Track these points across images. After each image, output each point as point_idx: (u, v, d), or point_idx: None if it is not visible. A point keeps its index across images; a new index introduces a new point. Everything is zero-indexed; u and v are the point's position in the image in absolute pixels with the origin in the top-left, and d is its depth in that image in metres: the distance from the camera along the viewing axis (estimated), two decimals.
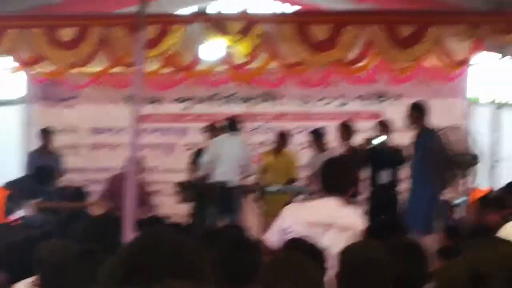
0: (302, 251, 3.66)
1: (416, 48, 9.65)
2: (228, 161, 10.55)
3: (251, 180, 11.41)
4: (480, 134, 9.59)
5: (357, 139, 11.12)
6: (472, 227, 8.61)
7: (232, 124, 11.08)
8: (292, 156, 11.97)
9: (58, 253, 3.00)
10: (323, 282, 2.98)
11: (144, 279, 1.64)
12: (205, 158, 10.78)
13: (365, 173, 10.87)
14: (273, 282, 2.79)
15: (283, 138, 11.80)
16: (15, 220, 10.66)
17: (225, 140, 10.79)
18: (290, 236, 4.55)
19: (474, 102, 12.74)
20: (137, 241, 1.77)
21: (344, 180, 4.99)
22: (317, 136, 11.35)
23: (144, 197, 10.85)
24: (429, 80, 12.23)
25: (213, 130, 11.54)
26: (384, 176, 10.50)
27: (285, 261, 2.96)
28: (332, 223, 4.71)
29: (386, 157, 10.50)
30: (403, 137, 10.73)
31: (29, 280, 3.58)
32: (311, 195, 10.44)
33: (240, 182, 10.91)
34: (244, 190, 11.19)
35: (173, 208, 11.47)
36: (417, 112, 9.71)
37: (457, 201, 10.09)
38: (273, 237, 4.76)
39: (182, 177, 11.59)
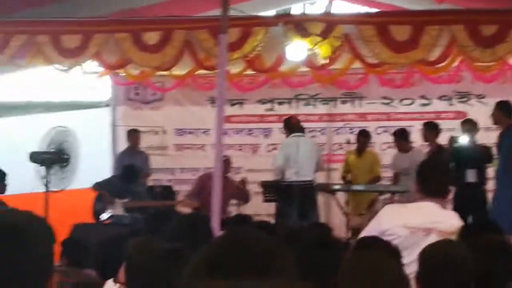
0: (376, 248, 3.68)
1: (499, 48, 9.52)
2: (301, 162, 10.64)
3: (326, 179, 11.53)
4: None
5: (441, 139, 11.05)
6: None
7: (298, 125, 11.21)
8: (374, 155, 12.00)
9: (145, 251, 3.05)
10: (405, 279, 2.99)
11: (227, 276, 1.68)
12: (277, 160, 10.93)
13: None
14: (350, 280, 2.80)
15: (364, 137, 11.83)
16: (105, 220, 10.95)
17: (295, 141, 10.87)
18: (390, 239, 4.50)
19: None
20: (222, 239, 1.83)
21: (444, 183, 4.97)
22: (401, 136, 11.31)
23: (239, 192, 11.08)
24: None
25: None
26: (470, 175, 10.38)
27: (363, 259, 2.97)
28: (433, 228, 4.67)
29: (472, 156, 10.39)
30: (488, 137, 10.65)
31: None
32: (396, 194, 10.45)
33: (316, 181, 11.01)
34: (325, 188, 11.27)
35: (258, 208, 11.61)
36: (502, 111, 9.61)
37: None
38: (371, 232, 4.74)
39: (266, 177, 11.71)
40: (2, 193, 9.59)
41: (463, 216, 9.94)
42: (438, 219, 4.73)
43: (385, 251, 3.59)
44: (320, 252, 3.37)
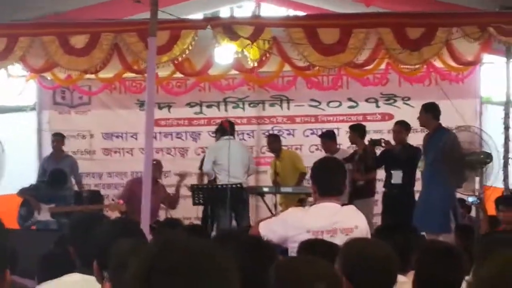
0: (320, 252, 3.67)
1: (425, 50, 9.69)
2: (232, 164, 10.63)
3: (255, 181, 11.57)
4: (492, 134, 9.59)
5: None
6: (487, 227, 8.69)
7: (231, 128, 11.21)
8: (291, 153, 12.06)
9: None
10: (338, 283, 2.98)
11: (164, 281, 1.69)
12: (205, 164, 10.93)
13: (380, 174, 10.97)
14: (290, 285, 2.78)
15: (272, 140, 11.91)
16: (31, 226, 10.76)
17: (225, 144, 10.86)
18: (294, 245, 4.49)
19: (487, 101, 12.78)
20: (157, 243, 1.81)
21: (337, 181, 4.96)
22: (328, 138, 11.41)
23: (169, 197, 10.99)
24: (440, 81, 12.28)
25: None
26: (396, 177, 10.52)
27: (302, 263, 2.95)
28: (336, 228, 4.70)
29: (398, 157, 10.53)
30: (415, 138, 10.81)
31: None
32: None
33: (247, 183, 11.03)
34: (254, 191, 11.30)
35: (187, 212, 11.56)
36: (429, 113, 9.74)
37: (470, 200, 10.12)
38: (272, 238, 4.72)
39: (195, 180, 11.67)
40: None
41: (390, 217, 10.18)
42: (339, 218, 4.76)
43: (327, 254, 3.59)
44: (253, 254, 3.34)
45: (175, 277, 1.69)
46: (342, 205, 4.97)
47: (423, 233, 8.42)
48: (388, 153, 10.77)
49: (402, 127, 10.82)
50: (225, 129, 11.13)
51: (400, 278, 3.59)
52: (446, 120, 10.09)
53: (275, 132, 12.80)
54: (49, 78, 12.36)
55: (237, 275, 1.78)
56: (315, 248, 3.98)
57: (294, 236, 4.67)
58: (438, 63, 11.09)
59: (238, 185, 10.54)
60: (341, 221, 4.75)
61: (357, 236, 4.56)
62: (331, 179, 4.92)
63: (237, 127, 12.45)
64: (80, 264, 3.85)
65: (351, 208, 5.05)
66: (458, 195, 9.84)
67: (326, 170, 4.99)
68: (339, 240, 4.31)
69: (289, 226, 4.78)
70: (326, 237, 4.59)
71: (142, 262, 1.75)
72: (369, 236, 4.83)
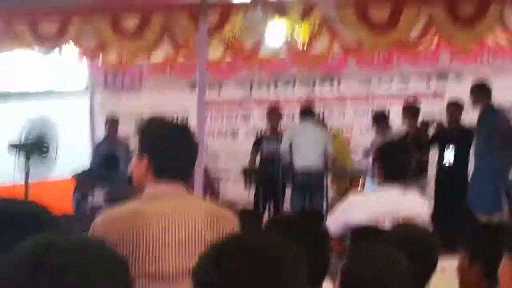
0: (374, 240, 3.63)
1: (477, 27, 9.53)
2: (305, 148, 10.60)
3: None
4: None
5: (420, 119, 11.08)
6: None
7: (307, 111, 11.16)
8: (340, 137, 11.95)
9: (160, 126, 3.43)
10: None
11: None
12: (282, 145, 10.87)
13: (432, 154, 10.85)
14: (358, 275, 2.75)
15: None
16: (85, 210, 10.89)
17: (301, 127, 10.85)
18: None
19: None
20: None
21: (403, 165, 4.86)
22: (379, 118, 11.31)
23: (209, 183, 11.00)
24: (492, 58, 12.08)
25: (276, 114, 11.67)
26: (449, 156, 10.41)
27: (373, 250, 2.92)
28: (397, 216, 4.62)
29: (452, 137, 10.42)
30: (468, 117, 10.67)
31: None
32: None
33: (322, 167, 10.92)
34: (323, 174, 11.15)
35: (238, 194, 11.59)
36: (480, 91, 9.62)
37: None
38: (337, 230, 4.66)
39: (246, 162, 11.68)
40: None
41: (443, 197, 10.08)
42: (401, 206, 4.68)
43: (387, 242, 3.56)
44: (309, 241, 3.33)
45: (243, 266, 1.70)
46: (405, 191, 4.86)
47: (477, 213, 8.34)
48: (442, 133, 10.66)
49: (456, 107, 10.67)
50: (303, 112, 11.14)
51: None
52: (500, 98, 9.93)
53: (325, 112, 12.75)
54: (101, 60, 12.44)
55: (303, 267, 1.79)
56: (367, 236, 3.93)
57: (356, 222, 4.58)
58: (491, 39, 10.90)
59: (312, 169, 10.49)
60: (403, 209, 4.67)
61: (419, 223, 4.53)
62: (396, 162, 4.83)
63: (287, 108, 12.44)
64: None
65: (414, 195, 4.93)
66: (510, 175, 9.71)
67: (391, 153, 4.90)
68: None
69: (351, 212, 4.73)
70: (387, 224, 4.50)
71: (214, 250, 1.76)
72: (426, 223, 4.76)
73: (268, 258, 1.73)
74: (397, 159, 4.85)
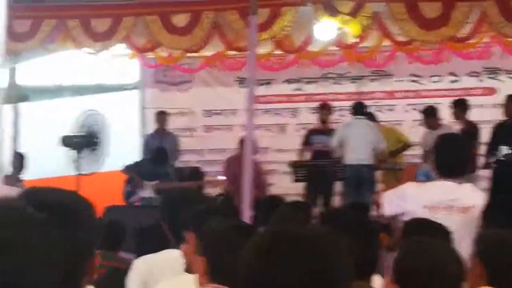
0: (431, 233, 3.62)
1: None
2: (356, 144, 10.59)
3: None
4: None
5: (471, 116, 10.99)
6: None
7: (359, 108, 11.16)
8: (389, 130, 11.84)
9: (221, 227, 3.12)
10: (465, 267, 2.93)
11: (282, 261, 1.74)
12: (333, 140, 10.88)
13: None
14: (411, 265, 2.74)
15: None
16: (136, 202, 11.02)
17: (352, 124, 10.86)
18: (406, 217, 4.48)
19: None
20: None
21: (459, 162, 4.81)
22: (429, 113, 11.24)
23: (259, 177, 11.03)
24: None
25: (326, 109, 11.69)
26: (503, 152, 10.25)
27: (427, 244, 2.91)
28: (453, 205, 4.61)
29: (506, 132, 10.26)
30: None
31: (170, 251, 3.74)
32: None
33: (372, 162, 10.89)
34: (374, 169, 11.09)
35: (286, 188, 11.62)
36: None
37: None
38: (391, 210, 4.74)
39: (294, 156, 11.72)
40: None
41: (497, 193, 9.98)
42: (457, 196, 4.65)
43: (441, 235, 3.56)
44: (357, 233, 3.34)
45: (292, 258, 1.72)
46: (460, 183, 4.81)
47: None
48: (499, 127, 10.47)
49: (510, 101, 10.49)
50: (354, 108, 11.15)
51: None
52: None
53: (375, 108, 12.71)
54: (151, 56, 12.58)
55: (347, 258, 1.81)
56: (421, 228, 3.92)
57: (411, 211, 4.61)
58: None
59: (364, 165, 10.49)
60: (459, 198, 4.65)
61: (474, 215, 4.52)
62: (452, 158, 4.79)
63: (336, 103, 12.44)
64: (173, 239, 3.96)
65: (469, 186, 4.89)
66: None
67: (447, 149, 4.85)
68: (455, 218, 4.25)
69: (408, 199, 4.73)
70: (443, 213, 4.51)
71: (262, 241, 1.79)
72: None
73: (314, 248, 1.75)
74: (455, 154, 4.81)
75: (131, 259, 5.08)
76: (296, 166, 11.10)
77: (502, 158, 10.15)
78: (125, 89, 13.94)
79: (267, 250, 1.76)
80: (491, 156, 10.44)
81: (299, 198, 10.95)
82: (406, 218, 4.56)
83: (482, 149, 10.81)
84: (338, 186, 11.15)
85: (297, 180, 11.08)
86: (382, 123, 11.94)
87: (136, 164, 11.47)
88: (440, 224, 3.97)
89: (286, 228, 1.87)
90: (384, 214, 4.86)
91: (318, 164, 10.86)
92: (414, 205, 4.66)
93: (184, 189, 10.80)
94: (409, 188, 4.89)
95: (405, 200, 4.74)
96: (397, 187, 4.94)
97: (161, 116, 12.42)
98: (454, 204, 4.63)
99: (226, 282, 2.87)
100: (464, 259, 2.93)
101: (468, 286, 3.40)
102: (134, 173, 11.11)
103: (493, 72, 12.73)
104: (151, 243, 4.31)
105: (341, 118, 12.44)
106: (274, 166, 12.83)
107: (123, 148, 12.08)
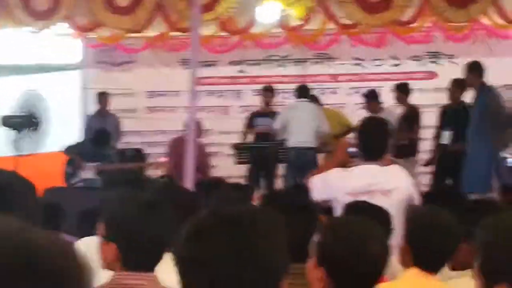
0: (366, 214, 3.65)
1: (471, 7, 9.54)
2: (299, 127, 10.60)
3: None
4: None
5: (412, 99, 11.09)
6: None
7: (303, 91, 11.16)
8: (333, 113, 11.87)
9: (126, 203, 3.03)
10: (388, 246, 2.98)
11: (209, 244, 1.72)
12: (276, 123, 10.87)
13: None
14: (334, 246, 2.75)
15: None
16: (76, 184, 10.90)
17: (296, 106, 10.86)
18: (337, 206, 4.58)
19: None
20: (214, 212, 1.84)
21: (380, 143, 4.92)
22: (371, 97, 11.32)
23: (203, 159, 11.00)
24: (484, 39, 12.09)
25: (269, 92, 11.68)
26: (445, 137, 10.36)
27: (349, 224, 2.93)
28: (375, 189, 4.67)
29: (449, 117, 10.38)
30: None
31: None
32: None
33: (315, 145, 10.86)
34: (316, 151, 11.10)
35: (229, 170, 11.63)
36: (473, 72, 9.61)
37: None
38: (319, 196, 4.79)
39: (237, 139, 11.71)
40: None
41: (439, 177, 10.10)
42: (378, 180, 4.72)
43: (380, 218, 3.59)
44: (296, 216, 3.34)
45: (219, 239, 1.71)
46: (386, 165, 4.91)
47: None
48: (444, 112, 10.57)
49: (455, 85, 10.59)
50: (298, 91, 11.14)
51: None
52: (492, 78, 9.94)
53: (318, 91, 12.74)
54: (94, 36, 12.42)
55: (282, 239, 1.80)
56: (360, 211, 3.96)
57: (336, 197, 4.71)
58: (484, 20, 10.91)
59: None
60: (380, 182, 4.72)
61: (397, 197, 4.59)
62: (373, 142, 4.89)
63: (279, 86, 12.44)
64: None
65: (393, 168, 4.97)
66: (503, 155, 9.74)
67: (368, 133, 4.94)
68: (378, 201, 4.30)
69: (332, 187, 4.80)
70: (365, 198, 4.53)
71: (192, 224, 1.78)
72: (413, 195, 4.82)
73: (251, 228, 1.74)
74: (375, 137, 4.90)
75: (72, 242, 5.02)
76: (239, 148, 11.10)
77: (445, 143, 10.27)
78: (67, 69, 13.76)
79: (206, 230, 1.74)
80: (436, 140, 10.58)
81: (242, 180, 11.00)
82: (333, 204, 4.64)
83: (424, 133, 10.94)
84: (281, 168, 11.19)
85: (239, 163, 11.08)
86: (325, 106, 11.97)
87: (77, 145, 11.34)
88: (380, 207, 4.01)
89: (224, 208, 1.85)
90: (314, 199, 4.88)
91: (261, 147, 10.86)
92: (337, 192, 4.74)
93: (125, 171, 10.75)
94: (333, 175, 4.93)
95: (330, 187, 4.81)
96: (324, 173, 4.99)
97: (103, 97, 12.30)
98: (376, 188, 4.70)
99: (140, 269, 2.80)
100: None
101: (399, 266, 3.48)
102: (75, 154, 10.98)
103: (434, 56, 12.86)
104: (93, 225, 4.23)
105: (285, 100, 12.47)
106: (217, 148, 12.82)
107: (64, 128, 11.94)
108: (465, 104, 10.29)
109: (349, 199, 4.52)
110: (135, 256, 2.82)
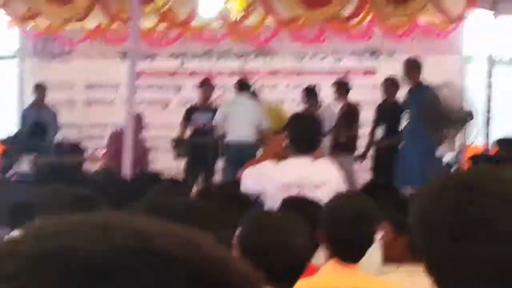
0: (297, 208, 3.65)
1: (411, 4, 9.64)
2: (239, 122, 10.56)
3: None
4: (474, 91, 9.60)
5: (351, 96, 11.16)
6: None
7: (243, 85, 11.13)
8: (272, 107, 11.88)
9: (55, 197, 2.99)
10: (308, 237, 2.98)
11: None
12: (216, 117, 10.81)
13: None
14: (255, 238, 2.73)
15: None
16: (11, 177, 10.73)
17: (236, 101, 10.83)
18: (267, 198, 4.61)
19: (469, 58, 12.77)
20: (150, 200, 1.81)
21: (310, 137, 4.96)
22: (310, 93, 11.35)
23: (142, 153, 10.92)
24: (423, 37, 12.22)
25: (208, 86, 11.62)
26: (379, 132, 10.47)
27: (271, 217, 2.92)
28: (304, 184, 4.70)
29: (383, 113, 10.48)
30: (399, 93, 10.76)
31: None
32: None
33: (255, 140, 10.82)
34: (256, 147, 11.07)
35: (168, 164, 11.57)
36: (411, 67, 9.70)
37: (450, 157, 10.13)
38: (249, 188, 4.83)
39: (177, 133, 11.64)
40: None
41: (374, 173, 10.19)
42: (308, 174, 4.76)
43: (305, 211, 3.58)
44: (233, 209, 3.33)
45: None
46: (317, 159, 4.94)
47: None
48: (379, 109, 10.69)
49: (389, 83, 10.72)
50: (238, 85, 11.10)
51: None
52: (429, 76, 10.06)
53: (258, 86, 12.74)
54: (31, 25, 12.20)
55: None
56: (296, 205, 3.96)
57: (267, 190, 4.75)
58: (422, 18, 11.03)
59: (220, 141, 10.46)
60: (310, 176, 4.75)
61: (327, 191, 4.60)
62: (303, 135, 4.92)
63: (220, 80, 12.41)
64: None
65: (324, 162, 5.01)
66: (439, 152, 9.86)
67: (299, 126, 4.98)
68: (308, 196, 4.31)
69: (264, 179, 4.83)
70: (295, 192, 4.60)
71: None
72: (344, 189, 4.83)
73: (187, 221, 1.71)
74: (304, 132, 4.92)
75: (5, 235, 4.94)
76: (178, 142, 11.03)
77: (379, 139, 10.37)
78: (3, 58, 13.52)
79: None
80: (371, 136, 10.67)
81: (181, 175, 10.95)
82: (264, 197, 4.65)
83: (363, 130, 11.02)
84: (220, 163, 11.15)
85: (177, 157, 11.01)
86: (265, 101, 11.97)
87: (13, 137, 11.16)
88: (316, 202, 4.01)
89: (159, 201, 1.83)
90: (245, 191, 4.91)
91: (200, 141, 10.81)
92: (269, 185, 4.77)
93: (59, 164, 10.60)
94: (265, 167, 4.97)
95: (261, 179, 4.84)
96: (256, 165, 5.00)
97: (40, 89, 12.12)
98: (305, 182, 4.74)
99: None
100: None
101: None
102: (11, 146, 10.79)
103: (373, 53, 12.95)
104: (27, 219, 4.16)
105: (225, 95, 12.43)
106: (157, 142, 12.74)
107: (0, 119, 11.76)
108: (399, 102, 10.43)
109: (280, 192, 4.57)
110: None
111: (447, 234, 1.47)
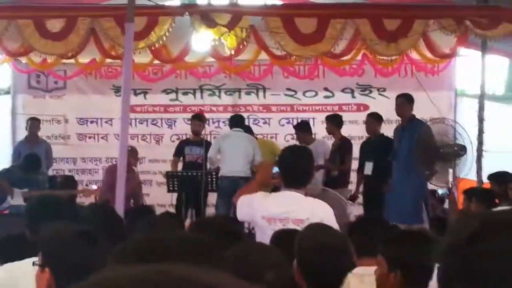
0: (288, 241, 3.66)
1: (401, 42, 9.73)
2: (233, 156, 10.58)
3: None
4: (466, 126, 9.64)
5: (344, 131, 11.21)
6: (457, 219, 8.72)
7: (237, 120, 11.19)
8: (267, 143, 11.90)
9: (61, 233, 3.02)
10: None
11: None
12: (210, 151, 10.83)
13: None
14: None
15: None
16: (3, 211, 10.71)
17: (230, 136, 10.88)
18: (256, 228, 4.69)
19: (461, 94, 12.87)
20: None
21: (302, 171, 4.96)
22: (301, 128, 11.38)
23: (135, 187, 10.94)
24: (415, 73, 12.33)
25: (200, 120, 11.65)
26: (368, 168, 10.48)
27: (253, 250, 2.95)
28: (288, 218, 4.72)
29: (370, 148, 10.53)
30: (389, 129, 10.82)
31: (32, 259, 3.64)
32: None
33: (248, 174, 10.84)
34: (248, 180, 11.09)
35: (161, 198, 11.59)
36: (405, 102, 9.75)
37: (442, 192, 10.14)
38: (242, 217, 5.01)
39: (169, 167, 11.67)
40: None
41: (365, 208, 10.19)
42: (294, 208, 4.76)
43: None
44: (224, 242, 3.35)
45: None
46: (307, 195, 4.96)
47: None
48: (364, 145, 10.79)
49: (373, 118, 10.80)
50: (233, 120, 11.16)
51: (359, 270, 3.64)
52: (421, 111, 10.14)
53: (251, 120, 12.81)
54: (24, 61, 12.26)
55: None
56: (286, 238, 3.97)
57: (255, 220, 4.87)
58: (414, 55, 11.13)
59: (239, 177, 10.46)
60: (295, 211, 4.75)
61: None
62: (295, 169, 4.92)
63: (212, 115, 12.48)
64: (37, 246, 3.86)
65: (313, 200, 5.00)
66: (431, 187, 9.89)
67: (291, 160, 4.98)
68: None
69: (254, 208, 4.88)
70: (279, 225, 4.63)
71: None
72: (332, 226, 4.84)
73: (183, 256, 1.73)
74: (296, 166, 4.94)
75: None
76: (169, 176, 11.05)
77: (369, 174, 10.39)
78: None
79: (137, 257, 1.73)
80: (360, 172, 10.70)
81: (173, 209, 10.96)
82: (255, 227, 4.71)
83: (355, 165, 11.05)
84: (212, 197, 11.16)
85: (170, 191, 11.03)
86: (258, 136, 12.03)
87: (6, 171, 11.15)
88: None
89: (153, 236, 1.85)
90: (240, 219, 5.08)
91: (192, 175, 10.82)
92: (257, 215, 4.84)
93: (48, 196, 10.58)
94: (256, 198, 4.98)
95: (252, 209, 4.89)
96: (250, 194, 5.03)
97: (33, 122, 12.14)
98: (289, 216, 4.75)
99: None
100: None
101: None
102: (4, 180, 10.78)
103: (365, 89, 13.06)
104: (15, 251, 4.17)
105: (217, 130, 12.49)
106: (150, 176, 12.78)
107: None
108: (384, 137, 10.50)
109: (264, 223, 4.68)
110: (69, 284, 2.80)
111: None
